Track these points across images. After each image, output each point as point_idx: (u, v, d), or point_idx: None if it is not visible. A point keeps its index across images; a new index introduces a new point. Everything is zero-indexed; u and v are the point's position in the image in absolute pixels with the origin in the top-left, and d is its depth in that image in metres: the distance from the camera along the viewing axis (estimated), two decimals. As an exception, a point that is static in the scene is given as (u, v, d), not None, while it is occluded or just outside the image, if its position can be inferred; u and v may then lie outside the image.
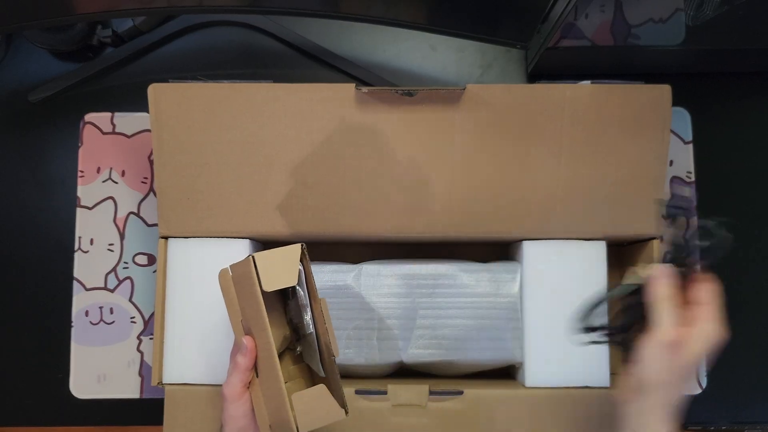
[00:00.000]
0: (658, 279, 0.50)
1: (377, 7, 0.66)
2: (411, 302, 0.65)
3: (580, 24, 0.65)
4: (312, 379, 0.59)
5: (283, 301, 0.58)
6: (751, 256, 0.75)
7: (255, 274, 0.50)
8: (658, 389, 0.49)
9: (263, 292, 0.50)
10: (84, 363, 0.73)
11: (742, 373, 0.70)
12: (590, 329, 0.54)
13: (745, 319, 0.73)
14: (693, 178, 0.75)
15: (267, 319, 0.50)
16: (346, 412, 0.53)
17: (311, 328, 0.54)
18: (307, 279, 0.54)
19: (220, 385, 0.63)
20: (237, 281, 0.53)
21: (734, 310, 0.72)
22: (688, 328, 0.49)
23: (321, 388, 0.52)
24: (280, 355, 0.57)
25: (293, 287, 0.54)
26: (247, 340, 0.52)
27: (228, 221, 0.65)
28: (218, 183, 0.64)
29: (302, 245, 0.52)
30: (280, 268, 0.51)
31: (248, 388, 0.54)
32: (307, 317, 0.54)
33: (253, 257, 0.50)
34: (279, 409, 0.51)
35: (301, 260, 0.52)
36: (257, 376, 0.53)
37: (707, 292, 0.50)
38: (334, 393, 0.52)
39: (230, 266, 0.54)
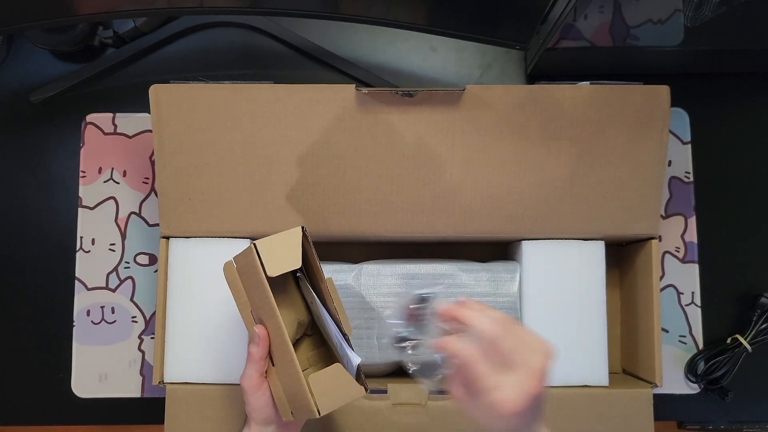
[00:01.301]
0: (463, 353, 0.46)
1: (377, 8, 0.66)
2: (411, 302, 0.65)
3: (579, 25, 0.65)
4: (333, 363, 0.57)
5: (298, 284, 0.58)
6: (749, 257, 0.75)
7: (258, 261, 0.50)
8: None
9: (270, 279, 0.50)
10: (85, 362, 0.73)
11: (741, 372, 0.70)
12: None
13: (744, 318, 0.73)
14: (691, 179, 0.75)
15: (275, 306, 0.50)
16: (366, 389, 0.52)
17: (320, 312, 0.54)
18: (311, 261, 0.53)
19: (221, 384, 0.64)
20: (242, 271, 0.53)
21: (734, 309, 0.74)
22: (509, 361, 0.45)
23: (337, 367, 0.51)
24: (298, 341, 0.56)
25: (301, 271, 0.53)
26: (258, 329, 0.52)
27: (229, 221, 0.65)
28: (219, 183, 0.65)
29: (303, 227, 0.52)
30: (283, 252, 0.51)
31: (266, 377, 0.54)
32: (314, 304, 0.54)
33: (254, 244, 0.50)
34: (297, 393, 0.51)
35: (303, 243, 0.52)
36: (273, 365, 0.53)
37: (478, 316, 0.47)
38: (352, 371, 0.51)
39: (234, 258, 0.54)
